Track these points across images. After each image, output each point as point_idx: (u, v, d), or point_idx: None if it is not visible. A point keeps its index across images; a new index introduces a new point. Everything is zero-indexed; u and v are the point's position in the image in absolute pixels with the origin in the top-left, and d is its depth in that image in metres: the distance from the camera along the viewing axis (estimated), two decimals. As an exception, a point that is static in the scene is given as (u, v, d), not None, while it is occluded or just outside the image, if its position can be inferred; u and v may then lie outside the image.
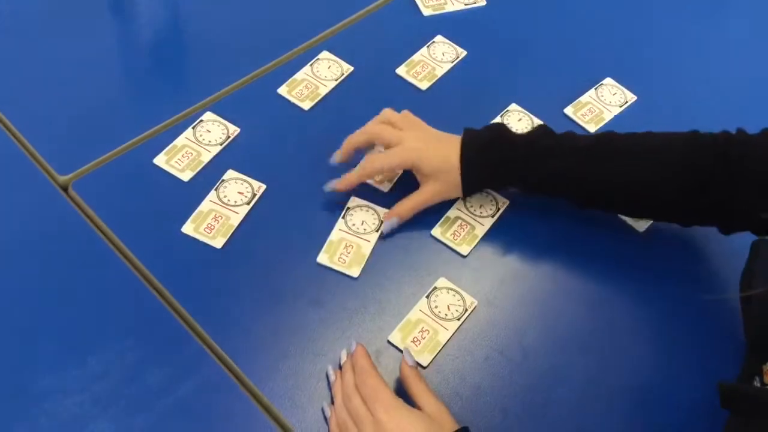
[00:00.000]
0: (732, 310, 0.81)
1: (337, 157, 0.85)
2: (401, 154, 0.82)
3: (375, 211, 0.85)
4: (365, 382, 0.69)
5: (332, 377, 0.72)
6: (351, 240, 0.82)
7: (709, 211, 0.78)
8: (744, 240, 0.80)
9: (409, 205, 0.83)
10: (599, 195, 0.82)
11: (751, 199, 0.75)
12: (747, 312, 0.79)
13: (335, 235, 0.82)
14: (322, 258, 0.81)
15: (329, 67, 0.99)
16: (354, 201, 0.85)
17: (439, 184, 0.83)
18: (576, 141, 0.81)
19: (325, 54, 1.00)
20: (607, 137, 0.81)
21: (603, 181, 0.79)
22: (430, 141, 0.84)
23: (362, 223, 0.83)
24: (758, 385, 0.68)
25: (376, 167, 0.83)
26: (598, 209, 0.84)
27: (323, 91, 0.96)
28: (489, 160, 0.81)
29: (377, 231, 0.83)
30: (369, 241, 0.82)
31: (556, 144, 0.80)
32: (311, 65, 0.99)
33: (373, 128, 0.86)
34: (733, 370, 0.75)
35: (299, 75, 0.97)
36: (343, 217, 0.84)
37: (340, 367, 0.73)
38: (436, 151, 0.82)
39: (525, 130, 0.83)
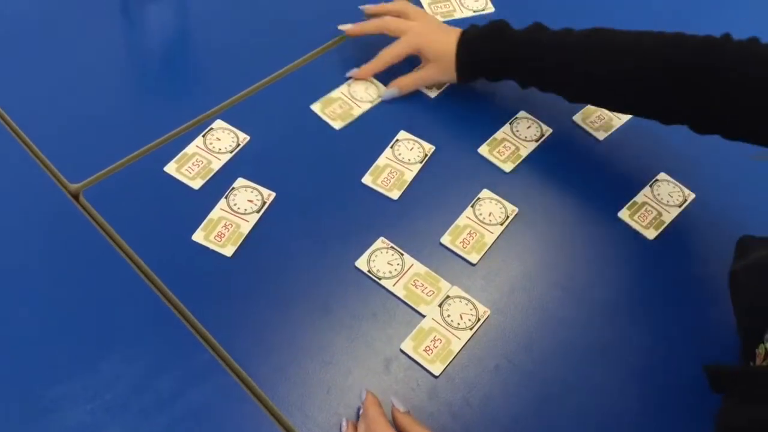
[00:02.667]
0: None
1: (348, 29, 0.98)
2: (408, 41, 0.93)
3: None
4: (375, 430, 0.68)
5: (344, 428, 0.71)
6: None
7: (688, 112, 0.82)
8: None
9: (409, 80, 0.95)
10: (586, 89, 0.87)
11: (726, 104, 0.78)
12: (736, 303, 0.79)
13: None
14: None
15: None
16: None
17: (437, 66, 0.93)
18: (566, 37, 0.86)
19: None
20: (596, 33, 0.85)
21: (588, 74, 0.85)
22: (434, 29, 0.94)
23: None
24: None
25: (387, 57, 0.94)
26: (586, 103, 0.95)
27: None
28: (482, 52, 0.90)
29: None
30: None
31: (548, 40, 0.87)
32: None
33: (382, 20, 0.97)
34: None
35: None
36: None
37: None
38: (439, 38, 0.92)
39: (529, 131, 0.83)
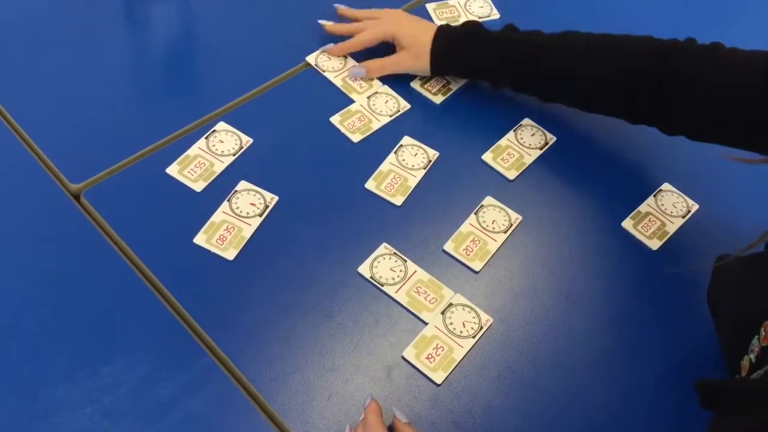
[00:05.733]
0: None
1: (328, 26, 1.01)
2: (384, 26, 0.96)
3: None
4: None
5: None
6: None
7: (652, 114, 0.86)
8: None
9: (379, 63, 0.96)
10: (555, 90, 0.91)
11: (688, 104, 0.81)
12: (718, 322, 0.79)
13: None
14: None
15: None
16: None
17: (410, 53, 0.95)
18: (537, 37, 0.90)
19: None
20: (567, 36, 0.89)
21: (557, 76, 0.88)
22: (410, 20, 0.98)
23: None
24: None
25: (364, 38, 0.97)
26: (557, 102, 0.94)
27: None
28: (456, 49, 0.93)
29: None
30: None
31: (521, 38, 0.90)
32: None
33: (355, 25, 0.99)
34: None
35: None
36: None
37: None
38: (415, 25, 0.96)
39: (534, 139, 0.83)
